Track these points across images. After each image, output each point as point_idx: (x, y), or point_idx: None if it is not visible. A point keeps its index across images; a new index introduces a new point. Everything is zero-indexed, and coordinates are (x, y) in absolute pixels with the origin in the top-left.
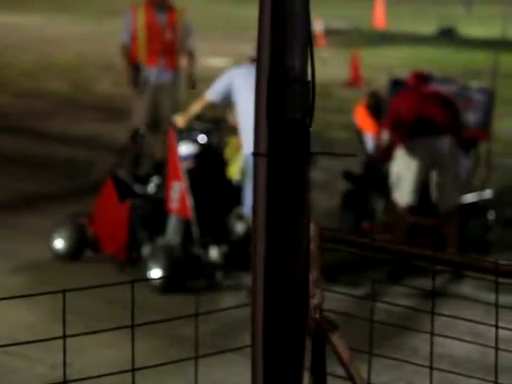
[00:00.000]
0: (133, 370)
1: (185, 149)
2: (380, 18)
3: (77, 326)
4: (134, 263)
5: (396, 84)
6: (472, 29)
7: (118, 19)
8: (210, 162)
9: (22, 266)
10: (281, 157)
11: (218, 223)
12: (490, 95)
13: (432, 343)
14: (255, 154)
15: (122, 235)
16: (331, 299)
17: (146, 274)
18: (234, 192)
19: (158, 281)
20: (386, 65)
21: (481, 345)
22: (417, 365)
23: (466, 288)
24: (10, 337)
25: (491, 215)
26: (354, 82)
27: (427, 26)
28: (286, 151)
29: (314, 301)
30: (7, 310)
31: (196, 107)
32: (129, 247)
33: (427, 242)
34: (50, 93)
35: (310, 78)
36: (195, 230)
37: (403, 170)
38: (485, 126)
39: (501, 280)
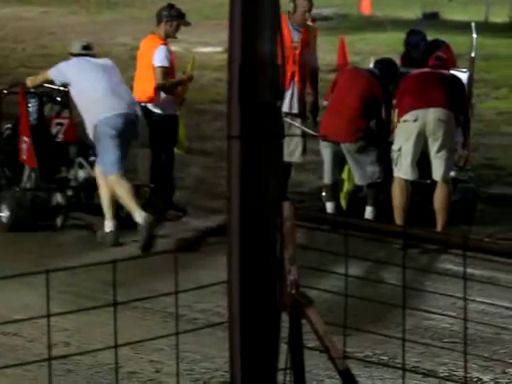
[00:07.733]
0: (115, 346)
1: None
2: (366, 5)
3: (72, 305)
4: None
5: (380, 62)
6: (455, 14)
7: (116, 11)
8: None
9: None
10: (254, 139)
11: (62, 172)
12: (469, 76)
13: (404, 317)
14: (229, 137)
15: None
16: (307, 275)
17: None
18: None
19: (7, 220)
20: (373, 50)
21: (452, 317)
22: (391, 337)
23: (446, 262)
24: (8, 317)
25: (474, 191)
26: (342, 66)
27: (412, 12)
28: (258, 134)
29: (290, 277)
30: (6, 292)
31: (43, 76)
32: None
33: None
34: None
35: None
36: (40, 178)
37: (403, 144)
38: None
39: (469, 254)
